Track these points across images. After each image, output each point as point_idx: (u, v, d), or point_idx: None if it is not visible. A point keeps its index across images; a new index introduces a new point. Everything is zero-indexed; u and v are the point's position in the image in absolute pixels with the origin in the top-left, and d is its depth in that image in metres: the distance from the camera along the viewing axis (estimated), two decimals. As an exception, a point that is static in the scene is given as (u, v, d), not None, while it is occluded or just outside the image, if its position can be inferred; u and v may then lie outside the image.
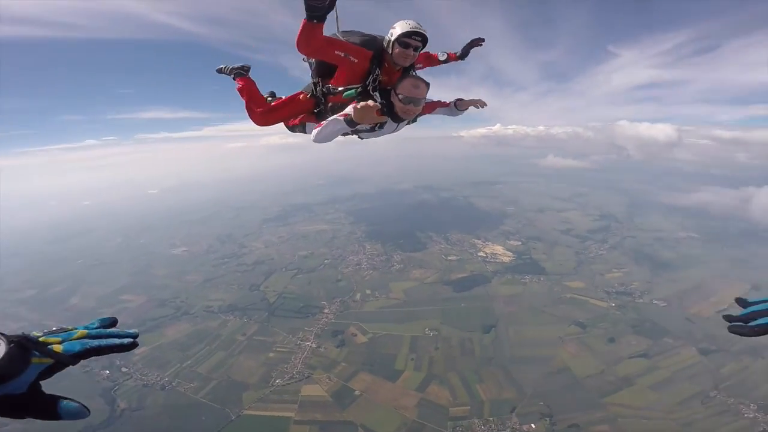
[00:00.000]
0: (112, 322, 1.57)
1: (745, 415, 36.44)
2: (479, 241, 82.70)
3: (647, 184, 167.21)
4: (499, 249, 78.60)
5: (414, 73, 4.44)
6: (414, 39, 4.10)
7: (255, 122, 5.08)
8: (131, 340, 1.50)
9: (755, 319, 1.29)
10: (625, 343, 48.09)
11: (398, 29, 4.09)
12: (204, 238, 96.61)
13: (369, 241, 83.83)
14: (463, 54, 5.25)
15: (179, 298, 63.16)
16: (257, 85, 5.37)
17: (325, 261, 74.90)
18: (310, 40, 3.67)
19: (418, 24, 4.09)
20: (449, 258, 74.16)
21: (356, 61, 4.14)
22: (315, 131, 4.19)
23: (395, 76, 4.38)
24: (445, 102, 5.11)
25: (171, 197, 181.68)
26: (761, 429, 34.98)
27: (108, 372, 44.23)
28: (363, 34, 4.38)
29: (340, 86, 4.43)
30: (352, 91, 4.32)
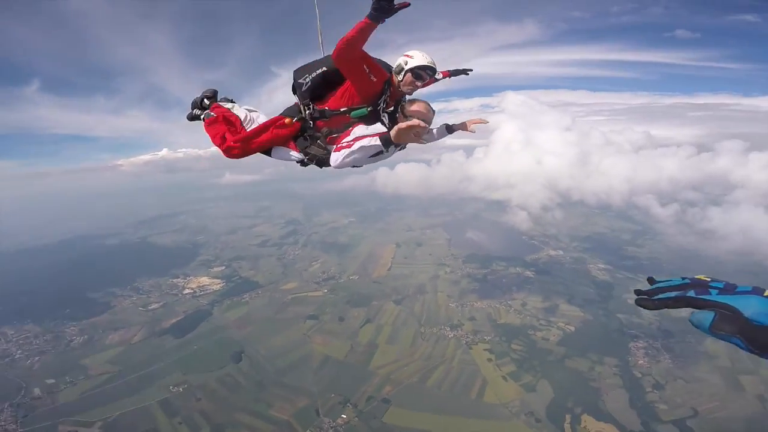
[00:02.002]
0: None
1: (449, 337, 53.08)
2: (179, 280, 75.61)
3: (312, 184, 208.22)
4: (205, 280, 75.32)
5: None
6: (427, 73, 4.30)
7: (230, 155, 4.69)
8: None
9: (657, 294, 1.50)
10: (351, 317, 59.13)
11: (416, 60, 4.23)
12: None
13: (10, 324, 58.83)
14: (454, 73, 5.56)
15: None
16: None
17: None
18: (358, 43, 3.69)
19: (432, 59, 4.32)
20: (150, 308, 63.60)
21: (375, 80, 4.19)
22: (340, 156, 4.16)
23: (393, 100, 4.55)
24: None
25: None
26: (465, 341, 51.62)
27: None
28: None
29: (342, 107, 4.37)
30: (363, 110, 4.33)
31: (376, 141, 3.92)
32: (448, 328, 55.24)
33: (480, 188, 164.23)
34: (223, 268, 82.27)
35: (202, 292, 69.35)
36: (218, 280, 74.94)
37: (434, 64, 4.28)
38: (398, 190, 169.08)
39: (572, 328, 53.44)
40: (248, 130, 4.75)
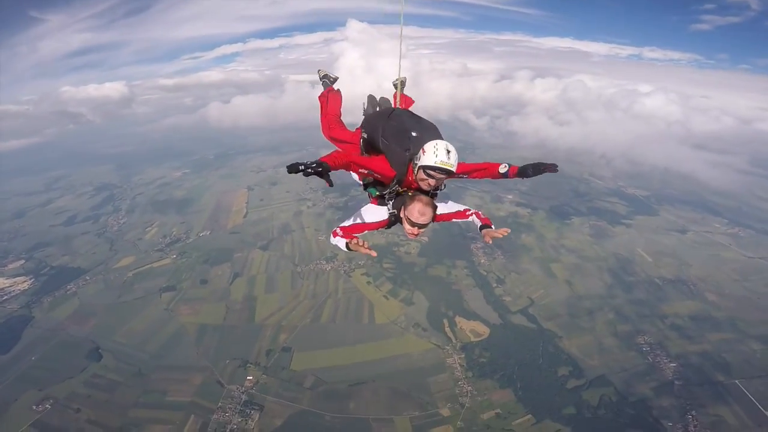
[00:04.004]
0: None
1: (327, 270, 56.70)
2: (-43, 290, 59.34)
3: (119, 137, 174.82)
4: (1, 282, 60.89)
5: (428, 195, 4.40)
6: (437, 173, 4.04)
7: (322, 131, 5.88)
8: None
9: None
10: (215, 277, 57.36)
11: (425, 159, 4.04)
12: None
13: None
14: (528, 174, 4.49)
15: None
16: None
17: None
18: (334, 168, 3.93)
19: (448, 153, 4.01)
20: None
21: (379, 176, 4.48)
22: (337, 243, 4.55)
23: (414, 185, 4.46)
24: (463, 213, 5.04)
25: None
26: (343, 270, 56.03)
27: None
28: (399, 141, 4.51)
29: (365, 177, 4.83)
30: (374, 190, 4.81)
31: (343, 242, 4.42)
32: (324, 262, 59.16)
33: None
34: (23, 261, 67.01)
35: (4, 296, 56.48)
36: (23, 278, 61.42)
37: (447, 165, 4.00)
38: (237, 125, 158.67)
39: (426, 239, 63.26)
40: (338, 131, 5.84)
